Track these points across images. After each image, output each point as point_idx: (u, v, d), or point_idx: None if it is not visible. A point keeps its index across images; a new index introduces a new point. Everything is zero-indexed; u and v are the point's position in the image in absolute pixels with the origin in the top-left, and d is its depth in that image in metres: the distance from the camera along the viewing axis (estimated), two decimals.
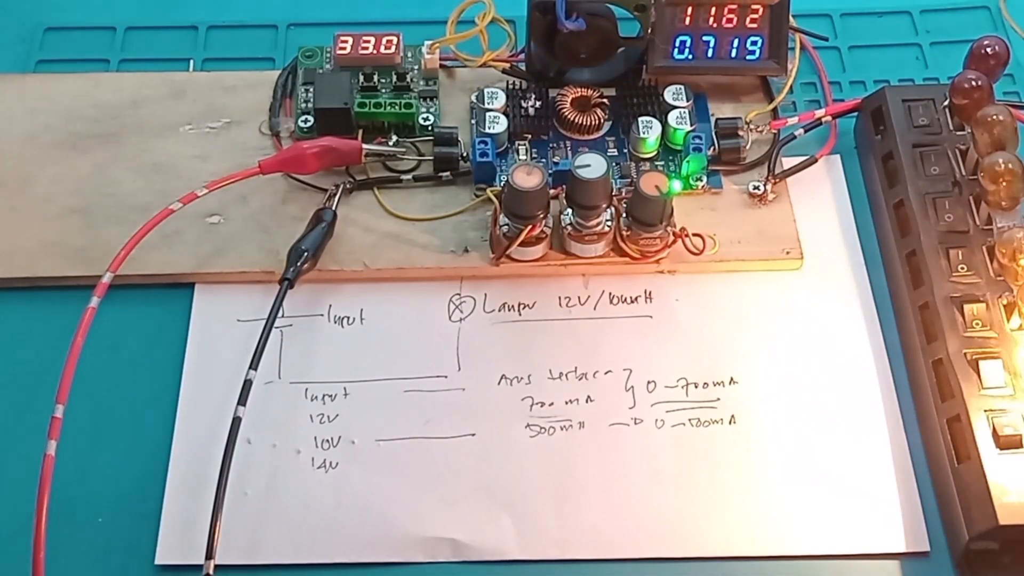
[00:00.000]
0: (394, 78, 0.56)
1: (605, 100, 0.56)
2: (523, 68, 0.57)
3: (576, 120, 0.55)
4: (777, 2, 0.55)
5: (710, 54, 0.56)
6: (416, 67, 0.57)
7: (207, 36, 0.61)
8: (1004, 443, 0.44)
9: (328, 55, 0.58)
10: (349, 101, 0.54)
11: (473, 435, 0.48)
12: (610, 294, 0.52)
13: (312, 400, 0.49)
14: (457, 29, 0.57)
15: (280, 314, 0.49)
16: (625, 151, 0.55)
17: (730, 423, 0.49)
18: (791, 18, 0.56)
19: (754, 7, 0.55)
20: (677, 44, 0.55)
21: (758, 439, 0.48)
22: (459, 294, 0.52)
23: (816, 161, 0.55)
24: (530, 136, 0.55)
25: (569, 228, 0.51)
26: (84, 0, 0.63)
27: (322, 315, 0.51)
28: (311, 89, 0.56)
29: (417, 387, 0.49)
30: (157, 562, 0.45)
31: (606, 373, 0.50)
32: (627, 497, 0.47)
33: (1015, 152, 0.49)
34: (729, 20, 0.55)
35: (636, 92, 0.57)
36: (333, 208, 0.52)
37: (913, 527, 0.46)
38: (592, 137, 0.55)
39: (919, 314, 0.49)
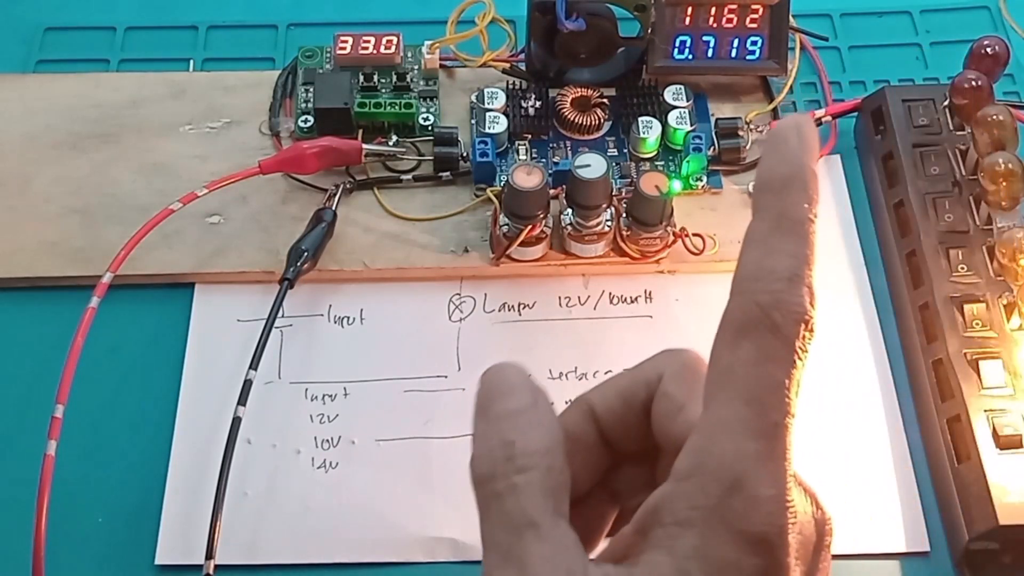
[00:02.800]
0: (394, 78, 0.56)
1: (605, 100, 0.56)
2: (523, 68, 0.57)
3: (576, 120, 0.55)
4: (777, 2, 0.55)
5: (710, 54, 0.56)
6: (416, 67, 0.57)
7: (207, 36, 0.61)
8: (1004, 443, 0.44)
9: (328, 55, 0.57)
10: (349, 101, 0.54)
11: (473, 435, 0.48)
12: (610, 294, 0.52)
13: (312, 400, 0.49)
14: (457, 29, 0.57)
15: (280, 314, 0.49)
16: (625, 151, 0.55)
17: None
18: (791, 18, 0.56)
19: (754, 7, 0.55)
20: (677, 44, 0.55)
21: None
22: (459, 294, 0.52)
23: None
24: (530, 136, 0.55)
25: (569, 228, 0.51)
26: (84, 0, 0.63)
27: (322, 315, 0.51)
28: (311, 89, 0.56)
29: (417, 387, 0.49)
30: (157, 562, 0.45)
31: (606, 373, 0.50)
32: None
33: (1015, 152, 0.49)
34: (729, 20, 0.55)
35: (636, 92, 0.56)
36: (333, 208, 0.52)
37: (913, 527, 0.46)
38: (592, 137, 0.55)
39: (919, 314, 0.49)
